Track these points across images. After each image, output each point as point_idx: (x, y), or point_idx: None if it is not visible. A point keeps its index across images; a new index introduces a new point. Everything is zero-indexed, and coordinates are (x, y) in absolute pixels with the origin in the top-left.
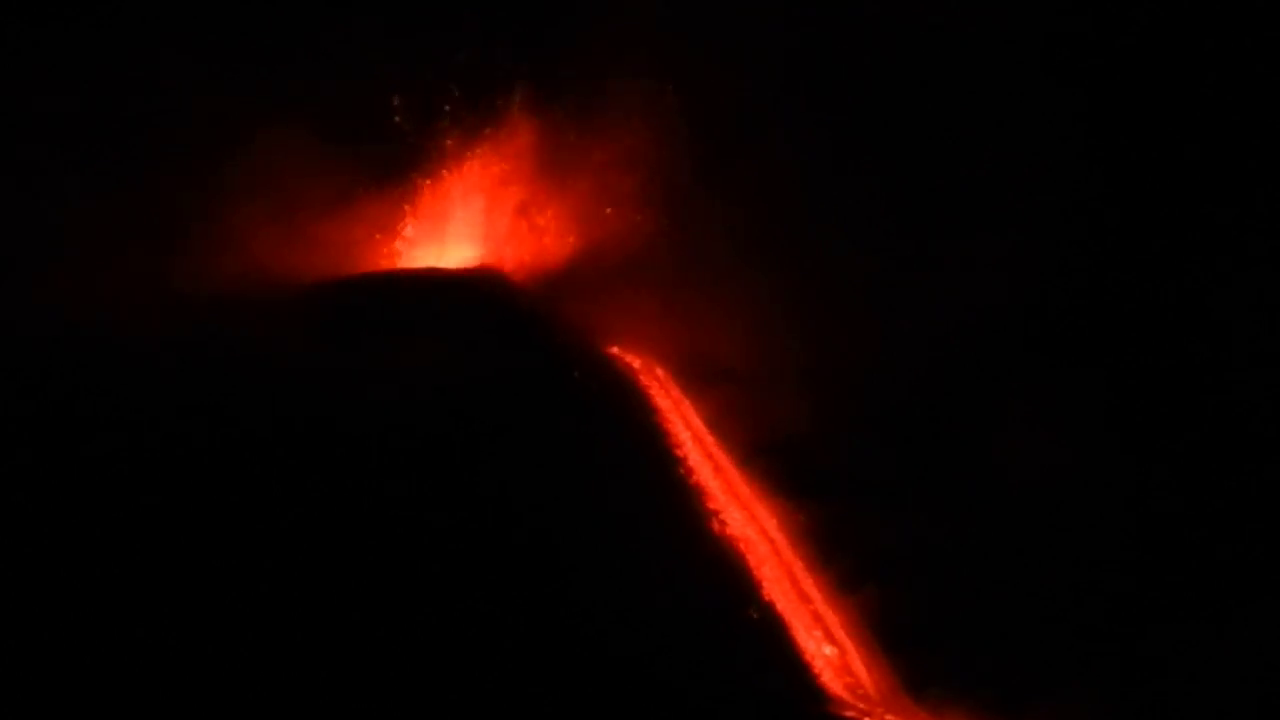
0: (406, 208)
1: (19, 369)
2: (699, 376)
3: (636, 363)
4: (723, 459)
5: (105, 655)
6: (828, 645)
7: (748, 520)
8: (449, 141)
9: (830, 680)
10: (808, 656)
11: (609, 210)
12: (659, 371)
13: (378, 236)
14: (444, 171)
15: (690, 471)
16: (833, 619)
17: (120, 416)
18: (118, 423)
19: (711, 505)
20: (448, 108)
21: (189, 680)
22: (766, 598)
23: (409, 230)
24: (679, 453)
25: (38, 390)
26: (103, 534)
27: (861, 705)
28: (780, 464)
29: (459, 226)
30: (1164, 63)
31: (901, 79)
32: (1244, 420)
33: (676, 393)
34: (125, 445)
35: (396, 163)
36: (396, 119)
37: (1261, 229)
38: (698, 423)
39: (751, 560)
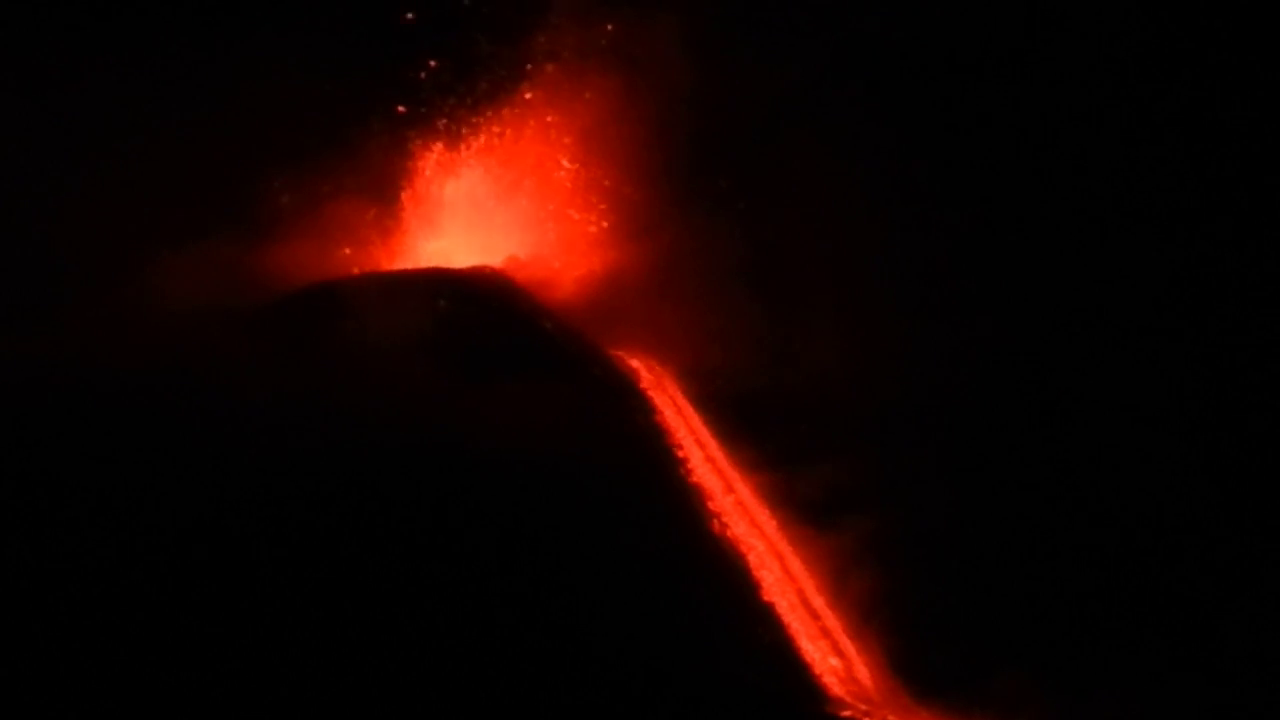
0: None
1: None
2: (707, 382)
3: (640, 365)
4: (725, 463)
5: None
6: (833, 656)
7: (749, 524)
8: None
9: (831, 682)
10: (807, 658)
11: (628, 218)
12: (665, 377)
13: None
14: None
15: (691, 472)
16: (833, 621)
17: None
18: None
19: (712, 506)
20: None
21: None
22: (766, 599)
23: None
24: (680, 454)
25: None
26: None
27: (862, 706)
28: (785, 467)
29: (479, 226)
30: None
31: (929, 80)
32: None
33: (682, 397)
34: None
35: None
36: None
37: None
38: (701, 427)
39: (751, 561)
